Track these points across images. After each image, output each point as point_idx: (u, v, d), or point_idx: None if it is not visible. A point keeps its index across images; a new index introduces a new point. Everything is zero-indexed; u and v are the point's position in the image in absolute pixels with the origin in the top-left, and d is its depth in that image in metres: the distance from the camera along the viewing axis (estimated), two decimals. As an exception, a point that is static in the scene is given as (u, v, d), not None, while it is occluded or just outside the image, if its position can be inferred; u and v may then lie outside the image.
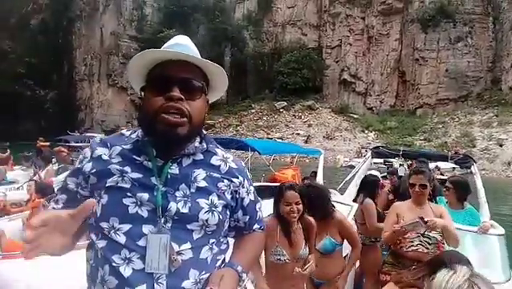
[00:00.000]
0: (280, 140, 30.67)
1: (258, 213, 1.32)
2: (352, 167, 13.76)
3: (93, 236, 1.09)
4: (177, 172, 1.10)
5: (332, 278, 2.81)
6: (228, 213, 1.18)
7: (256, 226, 1.31)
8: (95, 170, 1.10)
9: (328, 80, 43.71)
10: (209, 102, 1.20)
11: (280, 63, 43.54)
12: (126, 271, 1.02)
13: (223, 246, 1.19)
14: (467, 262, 1.60)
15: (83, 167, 1.12)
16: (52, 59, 46.74)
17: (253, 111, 42.67)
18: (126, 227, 1.04)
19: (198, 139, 1.17)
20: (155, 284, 1.02)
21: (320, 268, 2.52)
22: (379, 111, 40.97)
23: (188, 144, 1.12)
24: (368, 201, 3.65)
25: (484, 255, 3.33)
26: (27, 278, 2.89)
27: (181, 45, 1.15)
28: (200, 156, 1.16)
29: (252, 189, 1.27)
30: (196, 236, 1.08)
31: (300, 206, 2.39)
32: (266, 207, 2.57)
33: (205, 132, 1.20)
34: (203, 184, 1.11)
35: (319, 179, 8.58)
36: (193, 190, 1.09)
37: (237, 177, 1.20)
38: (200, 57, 1.13)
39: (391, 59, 41.20)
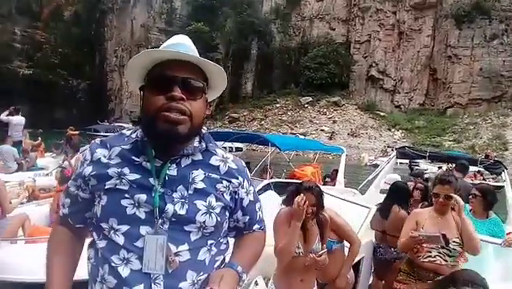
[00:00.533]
0: (303, 137, 30.38)
1: (258, 213, 1.31)
2: (377, 166, 13.47)
3: (95, 235, 1.12)
4: (175, 173, 1.10)
5: (335, 279, 2.78)
6: (227, 214, 1.18)
7: (256, 226, 1.30)
8: (94, 173, 1.11)
9: (355, 76, 42.75)
10: (208, 101, 1.19)
11: (307, 57, 42.90)
12: (124, 271, 1.03)
13: (222, 247, 1.19)
14: (481, 285, 1.52)
15: (83, 170, 1.13)
16: (85, 50, 48.46)
17: (277, 105, 42.44)
18: (124, 228, 1.05)
19: (197, 138, 1.17)
20: (152, 284, 1.03)
21: (321, 269, 2.50)
22: (407, 110, 39.78)
23: (187, 143, 1.11)
24: (405, 213, 3.51)
25: (506, 268, 3.17)
26: (31, 264, 2.97)
27: (182, 44, 1.14)
28: (199, 157, 1.15)
29: (252, 189, 1.26)
30: (193, 237, 1.08)
31: (315, 208, 2.43)
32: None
33: (204, 130, 1.19)
34: (201, 185, 1.11)
35: (340, 177, 8.47)
36: (190, 192, 1.09)
37: (237, 178, 1.19)
38: (198, 56, 1.12)
39: (422, 56, 39.82)
